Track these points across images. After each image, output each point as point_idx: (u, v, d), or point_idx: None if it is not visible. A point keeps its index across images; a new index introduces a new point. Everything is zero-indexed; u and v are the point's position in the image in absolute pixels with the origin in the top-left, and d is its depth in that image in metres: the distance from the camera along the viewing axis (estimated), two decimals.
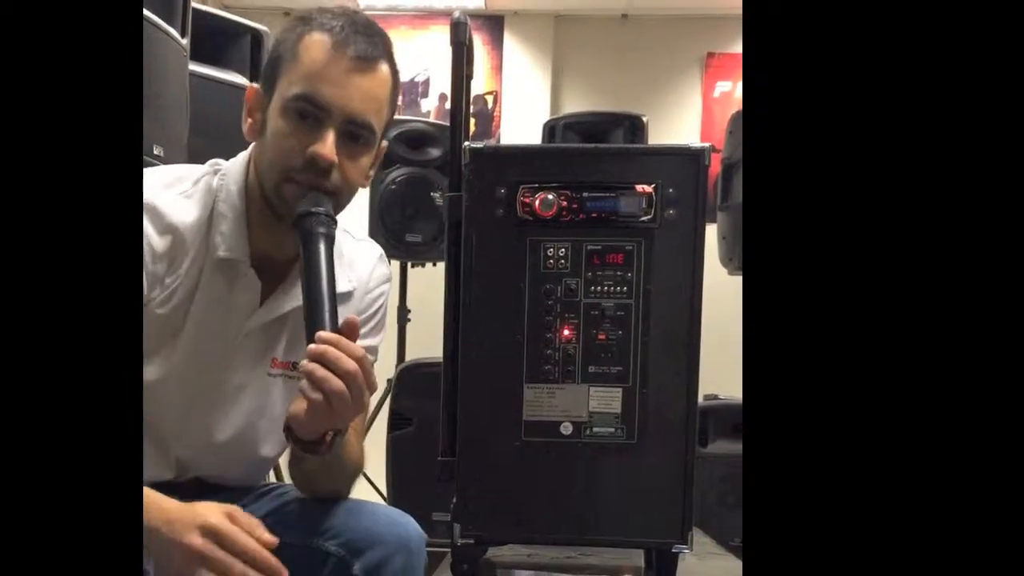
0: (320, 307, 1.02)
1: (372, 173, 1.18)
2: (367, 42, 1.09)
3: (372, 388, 1.00)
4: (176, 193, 1.11)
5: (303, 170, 1.08)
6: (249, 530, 0.97)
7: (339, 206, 1.12)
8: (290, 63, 1.09)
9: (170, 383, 1.12)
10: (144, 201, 1.07)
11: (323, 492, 1.17)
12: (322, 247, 1.05)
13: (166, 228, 1.09)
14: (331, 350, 0.96)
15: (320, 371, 0.96)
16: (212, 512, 0.97)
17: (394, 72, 1.14)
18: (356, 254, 1.24)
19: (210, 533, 0.95)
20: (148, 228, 1.08)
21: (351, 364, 0.96)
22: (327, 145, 1.07)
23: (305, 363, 0.97)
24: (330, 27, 1.08)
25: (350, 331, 1.00)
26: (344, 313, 1.04)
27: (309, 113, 1.07)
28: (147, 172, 1.12)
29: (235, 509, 1.00)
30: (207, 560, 0.94)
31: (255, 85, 1.16)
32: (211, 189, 1.13)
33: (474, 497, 1.05)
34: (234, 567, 0.94)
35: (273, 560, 0.97)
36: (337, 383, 0.96)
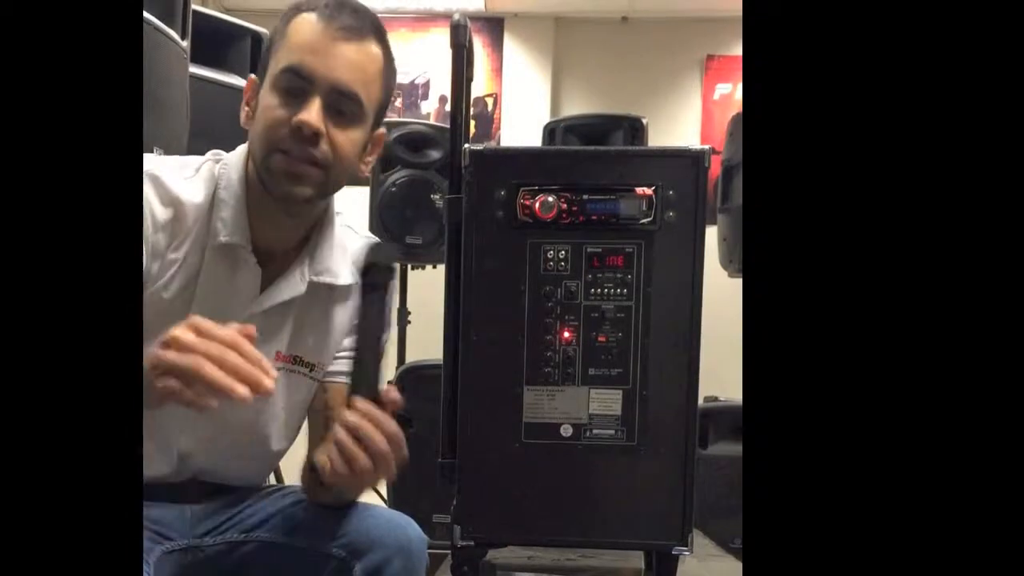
0: (365, 366, 1.03)
1: (370, 160, 1.17)
2: (353, 17, 1.09)
3: (402, 463, 0.99)
4: (180, 177, 1.12)
5: (290, 140, 1.07)
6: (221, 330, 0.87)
7: (331, 182, 1.11)
8: (279, 43, 1.10)
9: None
10: (148, 171, 1.08)
11: (332, 503, 1.17)
12: (378, 304, 1.06)
13: (170, 200, 1.09)
14: (367, 426, 0.96)
15: (351, 447, 0.96)
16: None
17: (386, 53, 1.13)
18: (360, 250, 1.24)
19: (170, 341, 0.85)
20: (152, 197, 1.08)
21: (383, 446, 0.96)
22: (312, 113, 1.06)
23: (339, 432, 0.96)
24: (316, 5, 1.10)
25: (390, 403, 0.99)
26: (346, 309, 1.03)
27: (295, 85, 1.07)
28: (148, 157, 1.13)
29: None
30: (180, 350, 0.83)
31: (253, 76, 1.16)
32: (213, 176, 1.14)
33: (474, 499, 1.05)
34: (210, 349, 0.83)
35: (256, 352, 0.86)
36: (365, 462, 0.95)
